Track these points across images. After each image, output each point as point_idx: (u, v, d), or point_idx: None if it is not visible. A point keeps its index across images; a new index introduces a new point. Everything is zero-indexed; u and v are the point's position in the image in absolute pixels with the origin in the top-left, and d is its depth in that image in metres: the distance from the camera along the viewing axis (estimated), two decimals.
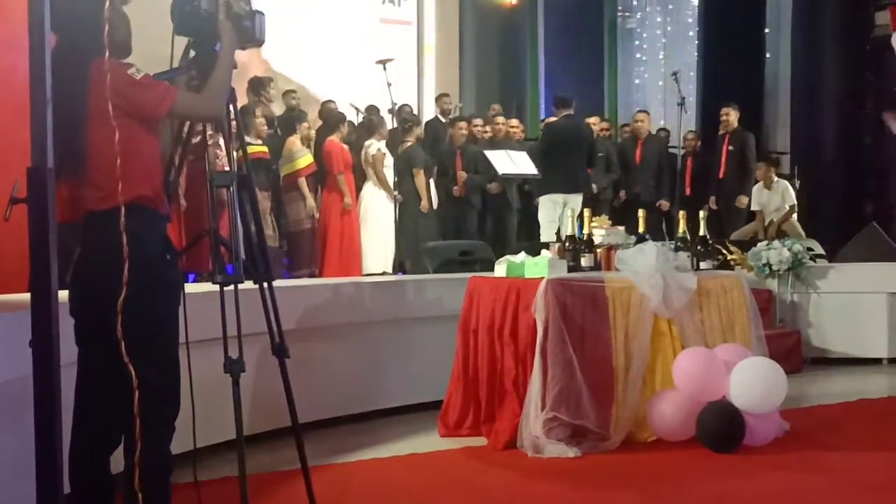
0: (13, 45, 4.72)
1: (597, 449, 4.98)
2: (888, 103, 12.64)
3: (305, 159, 9.49)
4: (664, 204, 11.37)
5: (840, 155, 13.63)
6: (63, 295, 2.64)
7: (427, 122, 11.69)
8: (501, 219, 10.77)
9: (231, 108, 3.52)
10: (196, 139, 3.61)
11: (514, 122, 11.65)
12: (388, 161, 9.83)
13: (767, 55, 14.97)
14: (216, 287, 3.36)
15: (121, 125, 2.89)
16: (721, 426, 5.01)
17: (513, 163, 10.33)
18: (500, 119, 11.34)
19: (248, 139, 8.05)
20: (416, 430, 5.62)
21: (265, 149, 8.86)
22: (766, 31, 14.93)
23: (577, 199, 9.61)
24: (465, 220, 10.47)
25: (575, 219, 5.89)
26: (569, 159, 9.81)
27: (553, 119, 10.46)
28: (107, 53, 2.83)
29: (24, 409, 2.47)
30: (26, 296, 2.28)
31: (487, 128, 11.12)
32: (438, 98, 12.44)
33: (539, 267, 5.32)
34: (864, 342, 8.18)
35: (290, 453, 3.85)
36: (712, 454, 4.94)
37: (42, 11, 2.29)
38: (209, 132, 5.37)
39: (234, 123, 3.57)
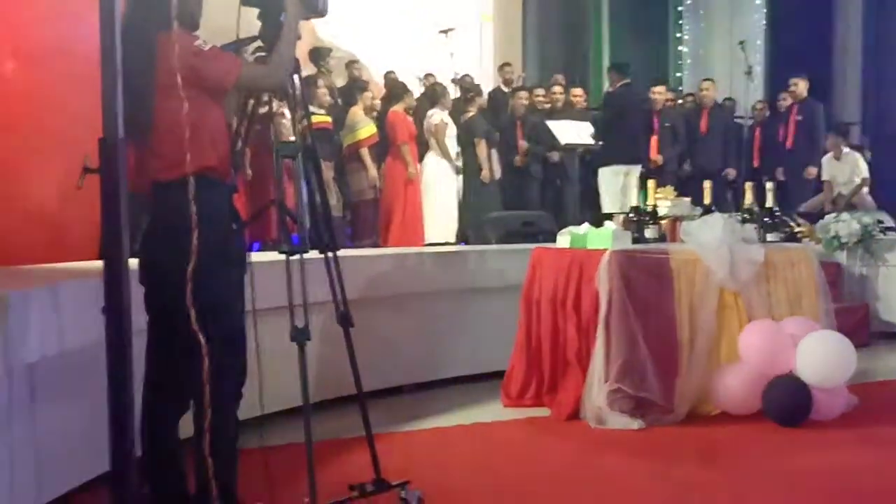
0: (79, 16, 4.78)
1: (660, 421, 4.95)
2: None
3: (367, 129, 9.51)
4: (731, 172, 11.20)
5: None
6: (132, 263, 2.68)
7: (489, 92, 11.64)
8: (562, 189, 10.71)
9: (296, 78, 3.54)
10: (262, 109, 3.62)
11: (578, 91, 11.54)
12: (451, 131, 9.82)
13: (837, 23, 14.63)
14: (282, 256, 3.39)
15: (188, 96, 2.92)
16: (787, 400, 4.95)
17: (575, 133, 10.27)
18: (558, 89, 11.22)
19: (311, 109, 8.08)
20: (478, 399, 5.64)
21: (328, 119, 8.90)
22: None
23: (637, 170, 9.52)
24: (527, 190, 10.44)
25: (637, 189, 5.83)
26: (627, 129, 9.71)
27: (611, 89, 10.36)
28: (175, 25, 2.86)
29: (95, 374, 2.53)
30: (95, 264, 2.32)
31: (548, 96, 11.04)
32: (500, 67, 12.38)
33: (603, 238, 5.28)
34: None
35: (354, 421, 3.87)
36: (778, 428, 4.88)
37: None
38: (275, 102, 5.41)
39: (298, 93, 3.59)
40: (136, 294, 2.80)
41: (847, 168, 10.67)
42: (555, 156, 10.41)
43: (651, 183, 5.85)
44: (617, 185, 9.64)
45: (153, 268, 3.11)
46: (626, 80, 9.85)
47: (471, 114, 10.01)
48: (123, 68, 2.39)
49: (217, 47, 3.16)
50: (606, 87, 12.19)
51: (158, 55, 3.01)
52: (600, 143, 10.05)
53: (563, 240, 5.55)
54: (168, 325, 3.08)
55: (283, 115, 6.70)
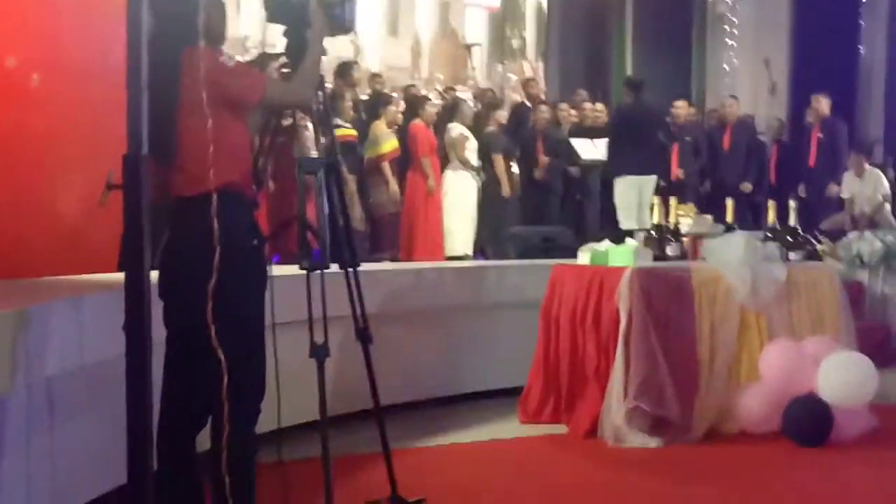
0: (105, 30, 4.79)
1: (679, 440, 4.93)
2: None
3: (389, 144, 9.49)
4: (746, 186, 11.12)
5: None
6: (153, 276, 2.68)
7: (513, 107, 11.64)
8: (582, 205, 10.70)
9: (320, 94, 3.55)
10: (286, 122, 3.63)
11: (599, 106, 11.54)
12: (472, 145, 9.81)
13: (862, 42, 14.57)
14: (302, 270, 3.40)
15: (212, 112, 2.92)
16: (808, 420, 4.92)
17: (595, 148, 10.28)
18: (588, 105, 11.26)
19: (337, 121, 8.07)
20: (496, 415, 5.62)
21: (354, 132, 8.90)
22: (861, 18, 14.54)
23: (650, 183, 9.53)
24: (547, 205, 10.43)
25: (655, 204, 5.78)
26: (639, 143, 9.70)
27: (623, 104, 10.40)
28: (201, 41, 2.87)
29: (114, 387, 2.53)
30: (116, 276, 2.33)
31: (573, 112, 11.06)
32: (525, 83, 12.38)
33: (624, 255, 5.27)
34: None
35: (371, 436, 3.88)
36: (797, 448, 4.85)
37: (140, 2, 2.33)
38: (299, 116, 5.43)
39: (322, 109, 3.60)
40: (155, 308, 2.81)
41: (869, 186, 10.60)
42: (574, 170, 10.41)
43: (673, 200, 5.83)
44: (632, 199, 9.63)
45: (173, 283, 3.10)
46: (638, 95, 9.86)
47: (491, 128, 10.01)
48: (148, 83, 2.40)
49: (242, 63, 3.17)
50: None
51: (183, 71, 3.01)
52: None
53: (584, 256, 5.54)
54: (187, 340, 3.08)
55: (306, 126, 6.70)
